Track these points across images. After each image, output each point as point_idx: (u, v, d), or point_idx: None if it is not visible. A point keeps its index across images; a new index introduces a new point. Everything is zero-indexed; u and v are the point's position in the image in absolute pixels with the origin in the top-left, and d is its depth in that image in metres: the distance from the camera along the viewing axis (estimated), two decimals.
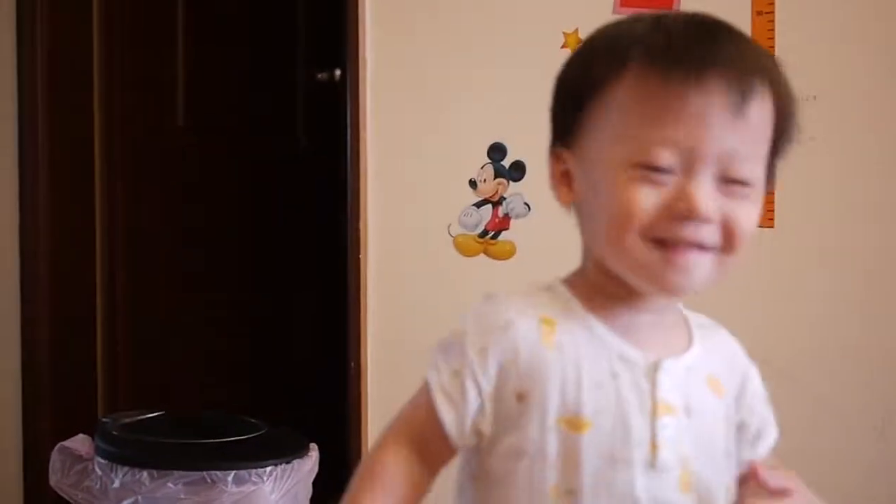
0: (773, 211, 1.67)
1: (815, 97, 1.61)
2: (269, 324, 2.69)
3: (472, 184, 1.83)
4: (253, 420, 1.75)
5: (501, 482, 0.80)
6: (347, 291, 1.90)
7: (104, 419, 1.71)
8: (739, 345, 0.88)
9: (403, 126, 1.87)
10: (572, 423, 0.78)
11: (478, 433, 0.80)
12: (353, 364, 1.84)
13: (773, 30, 1.73)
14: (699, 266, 0.77)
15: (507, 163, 1.82)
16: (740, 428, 0.85)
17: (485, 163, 1.83)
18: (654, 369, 0.79)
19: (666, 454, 0.78)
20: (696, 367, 0.82)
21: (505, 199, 1.83)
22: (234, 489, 1.54)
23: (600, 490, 0.77)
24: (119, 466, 1.57)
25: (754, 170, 0.78)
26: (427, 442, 0.83)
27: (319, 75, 2.60)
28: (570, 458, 0.77)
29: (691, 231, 0.76)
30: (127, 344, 2.38)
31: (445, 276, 1.84)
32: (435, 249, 1.84)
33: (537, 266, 1.88)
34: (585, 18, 1.77)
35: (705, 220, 0.76)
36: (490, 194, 1.84)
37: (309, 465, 1.64)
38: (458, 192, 1.83)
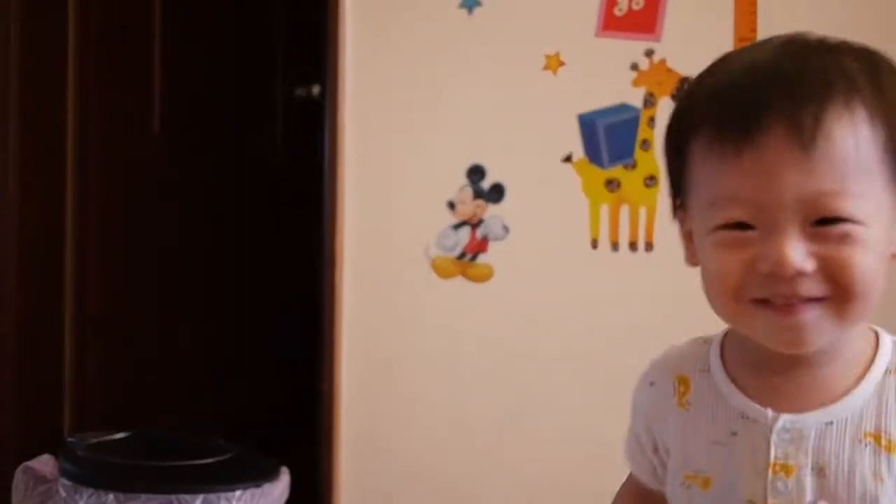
0: None
1: None
2: (241, 343, 2.66)
3: (451, 205, 1.81)
4: (222, 442, 1.71)
5: None
6: (322, 311, 1.88)
7: (70, 439, 1.67)
8: None
9: (382, 145, 1.85)
10: (694, 479, 0.79)
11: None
12: (326, 385, 1.81)
13: None
14: (814, 320, 0.71)
15: (486, 185, 1.81)
16: None
17: (463, 184, 1.81)
18: (773, 426, 0.75)
19: None
20: (845, 419, 0.74)
21: (483, 221, 1.81)
22: None
23: None
24: (84, 488, 1.53)
25: (855, 203, 0.69)
26: (643, 492, 0.88)
27: (298, 91, 2.58)
28: None
29: (787, 288, 0.70)
30: (95, 361, 2.34)
31: (422, 297, 1.82)
32: (412, 270, 1.82)
33: (514, 289, 1.88)
34: (567, 41, 1.78)
35: (798, 274, 0.69)
36: (468, 216, 1.82)
37: (280, 488, 1.61)
38: (437, 213, 1.81)
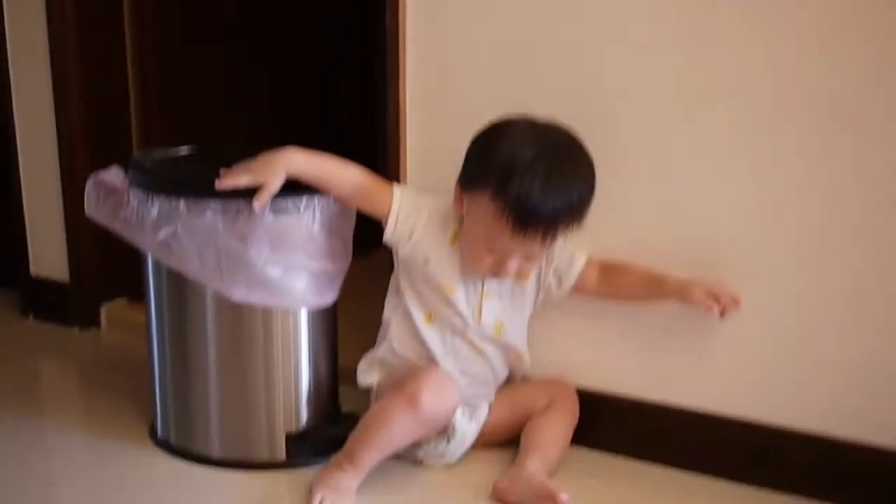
0: None
1: None
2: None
3: None
4: None
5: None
6: None
7: (136, 155, 1.68)
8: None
9: None
10: (447, 289, 1.60)
11: (395, 244, 1.61)
12: (391, 105, 1.77)
13: None
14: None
15: None
16: (553, 271, 1.65)
17: None
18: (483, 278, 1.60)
19: (486, 318, 1.62)
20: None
21: None
22: (272, 218, 1.53)
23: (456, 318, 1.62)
24: (155, 196, 1.55)
25: (542, 254, 1.55)
26: (371, 197, 1.60)
27: None
28: (443, 301, 1.62)
29: (505, 276, 1.55)
30: (159, 83, 2.34)
31: None
32: None
33: None
34: None
35: (512, 273, 1.56)
36: None
37: None
38: None
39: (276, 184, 1.50)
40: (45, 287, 2.39)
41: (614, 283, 1.63)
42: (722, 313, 1.52)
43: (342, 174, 1.57)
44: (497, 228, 1.46)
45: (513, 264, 1.51)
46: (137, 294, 1.78)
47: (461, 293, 1.59)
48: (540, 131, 1.48)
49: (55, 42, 2.19)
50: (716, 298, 1.52)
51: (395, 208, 1.58)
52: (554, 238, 1.48)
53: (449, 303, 1.59)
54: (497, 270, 1.53)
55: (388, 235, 1.60)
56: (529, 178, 1.41)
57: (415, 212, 1.59)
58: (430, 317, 1.61)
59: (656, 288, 1.59)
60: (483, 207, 1.47)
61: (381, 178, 1.61)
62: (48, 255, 2.37)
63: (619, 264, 1.63)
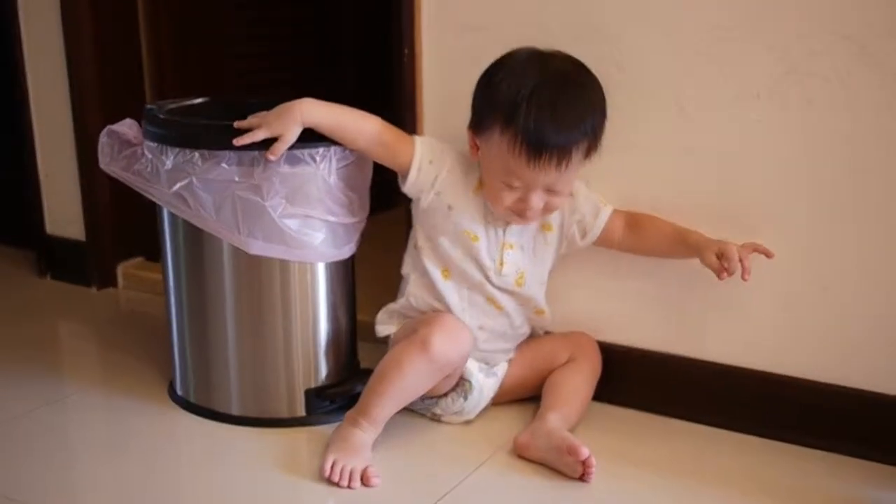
0: None
1: None
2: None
3: None
4: None
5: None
6: None
7: (149, 106, 1.66)
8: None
9: None
10: (470, 236, 1.57)
11: (417, 193, 1.59)
12: (406, 50, 1.74)
13: None
14: (533, 220, 1.57)
15: None
16: (578, 221, 1.62)
17: None
18: (506, 226, 1.58)
19: (507, 267, 1.59)
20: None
21: None
22: (288, 169, 1.50)
23: (475, 270, 1.60)
24: (169, 148, 1.53)
25: (564, 186, 1.50)
26: (390, 146, 1.56)
27: None
28: (467, 250, 1.59)
29: (530, 213, 1.51)
30: (171, 36, 2.31)
31: None
32: None
33: None
34: None
35: (537, 209, 1.51)
36: None
37: None
38: None
39: (291, 135, 1.47)
40: (61, 246, 2.38)
41: (640, 236, 1.60)
42: (729, 275, 1.46)
43: (360, 124, 1.53)
44: (512, 162, 1.44)
45: (536, 199, 1.48)
46: (153, 253, 1.77)
47: (483, 242, 1.56)
48: (541, 59, 1.45)
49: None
50: (727, 262, 1.45)
51: (417, 157, 1.55)
52: (569, 164, 1.44)
53: (470, 253, 1.56)
54: (521, 209, 1.50)
55: (410, 184, 1.56)
56: (536, 106, 1.40)
57: (438, 160, 1.56)
58: (448, 272, 1.59)
59: (681, 243, 1.55)
60: (495, 145, 1.45)
61: (400, 130, 1.58)
62: (64, 214, 2.36)
63: (644, 217, 1.60)
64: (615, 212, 1.61)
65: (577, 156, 1.45)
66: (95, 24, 2.19)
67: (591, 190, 1.61)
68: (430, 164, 1.56)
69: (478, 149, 1.51)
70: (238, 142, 1.46)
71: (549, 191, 1.48)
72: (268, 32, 2.56)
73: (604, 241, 1.62)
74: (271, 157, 1.46)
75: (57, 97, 2.25)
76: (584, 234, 1.62)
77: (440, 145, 1.58)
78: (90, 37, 2.19)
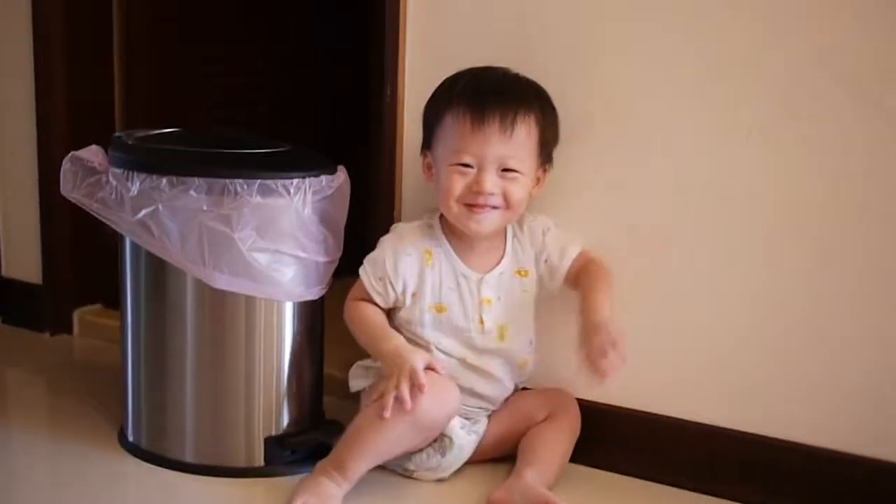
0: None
1: None
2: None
3: None
4: (277, 140, 1.62)
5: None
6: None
7: (117, 134, 1.59)
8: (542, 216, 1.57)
9: None
10: (438, 308, 1.52)
11: (406, 303, 1.52)
12: (388, 92, 1.69)
13: None
14: (490, 217, 1.47)
15: None
16: (545, 261, 1.55)
17: None
18: (479, 281, 1.52)
19: (488, 324, 1.52)
20: (506, 270, 1.54)
21: None
22: (259, 200, 1.43)
23: (455, 341, 1.53)
24: (135, 174, 1.45)
25: (521, 164, 1.45)
26: (375, 308, 1.53)
27: None
28: (438, 324, 1.52)
29: (483, 199, 1.45)
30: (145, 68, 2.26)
31: None
32: None
33: None
34: None
35: (490, 193, 1.45)
36: None
37: (339, 182, 1.52)
38: None
39: (419, 363, 1.41)
40: (17, 289, 2.27)
41: (577, 282, 1.52)
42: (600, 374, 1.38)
43: (375, 321, 1.52)
44: (458, 135, 1.44)
45: (489, 179, 1.43)
46: (112, 300, 1.68)
47: (457, 308, 1.51)
48: (474, 69, 1.51)
49: (39, 28, 2.11)
50: (599, 357, 1.38)
51: (368, 290, 1.51)
52: (514, 130, 1.42)
53: (448, 326, 1.51)
54: (477, 192, 1.44)
55: (393, 304, 1.53)
56: (472, 79, 1.47)
57: (380, 267, 1.51)
58: (430, 349, 1.51)
59: (580, 312, 1.46)
60: (442, 133, 1.47)
61: (359, 284, 1.54)
62: (21, 255, 2.26)
63: (591, 266, 1.52)
64: (582, 252, 1.54)
65: (523, 124, 1.44)
66: (67, 59, 2.13)
67: (565, 230, 1.56)
68: (380, 280, 1.50)
69: (430, 168, 1.51)
70: (385, 414, 1.38)
71: (503, 171, 1.44)
72: (245, 68, 2.51)
73: (568, 282, 1.55)
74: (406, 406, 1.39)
75: (20, 136, 2.18)
76: (551, 275, 1.55)
77: (375, 253, 1.53)
78: (62, 73, 2.13)
